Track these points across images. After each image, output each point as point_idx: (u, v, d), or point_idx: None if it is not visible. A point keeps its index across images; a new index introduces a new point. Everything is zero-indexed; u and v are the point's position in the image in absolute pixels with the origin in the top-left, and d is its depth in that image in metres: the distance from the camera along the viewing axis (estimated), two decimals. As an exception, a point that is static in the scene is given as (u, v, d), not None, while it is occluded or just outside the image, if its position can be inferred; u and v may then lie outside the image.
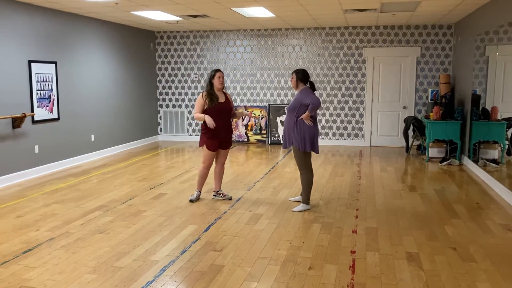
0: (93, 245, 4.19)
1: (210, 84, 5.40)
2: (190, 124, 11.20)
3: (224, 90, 5.54)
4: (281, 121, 10.49)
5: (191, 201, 5.65)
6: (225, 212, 5.20)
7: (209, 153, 5.52)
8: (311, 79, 5.49)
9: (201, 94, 5.44)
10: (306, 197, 5.34)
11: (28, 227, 4.71)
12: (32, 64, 7.09)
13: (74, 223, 4.82)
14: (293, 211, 5.27)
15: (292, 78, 5.28)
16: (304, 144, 5.15)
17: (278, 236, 4.43)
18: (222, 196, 5.77)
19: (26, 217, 5.07)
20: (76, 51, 8.18)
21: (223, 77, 5.43)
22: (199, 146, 5.61)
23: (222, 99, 5.45)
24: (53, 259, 3.87)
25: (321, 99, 10.25)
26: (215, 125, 5.25)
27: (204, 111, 5.36)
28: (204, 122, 5.34)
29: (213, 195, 5.82)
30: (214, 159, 5.67)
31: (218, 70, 5.42)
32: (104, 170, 7.67)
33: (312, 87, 5.28)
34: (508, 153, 6.35)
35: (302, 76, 5.23)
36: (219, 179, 5.78)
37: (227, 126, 5.55)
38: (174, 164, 8.10)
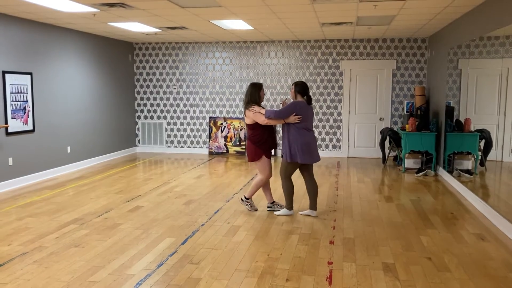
0: (67, 259, 4.11)
1: (258, 96, 5.51)
2: (168, 136, 11.13)
3: None
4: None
5: (256, 210, 5.75)
6: (203, 225, 5.18)
7: (268, 162, 5.57)
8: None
9: (255, 107, 5.41)
10: (286, 203, 5.57)
11: (0, 242, 4.59)
12: (7, 75, 6.97)
13: (48, 237, 4.73)
14: (274, 213, 5.56)
15: (291, 89, 5.52)
16: (287, 153, 5.38)
17: (256, 248, 4.42)
18: (279, 206, 5.76)
19: (-2, 231, 4.95)
20: (52, 62, 8.08)
21: None
22: (254, 160, 5.54)
23: None
24: (25, 274, 3.77)
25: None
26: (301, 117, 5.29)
27: (254, 124, 5.44)
28: (256, 134, 5.45)
29: (268, 207, 5.80)
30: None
31: (262, 84, 5.64)
32: (80, 182, 7.55)
33: (309, 101, 5.47)
34: (481, 164, 6.50)
35: (300, 89, 5.45)
36: (269, 189, 5.80)
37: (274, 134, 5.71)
38: (152, 176, 8.03)
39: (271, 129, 5.61)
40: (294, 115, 5.25)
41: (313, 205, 5.54)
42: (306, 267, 3.94)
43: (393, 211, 5.74)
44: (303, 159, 5.31)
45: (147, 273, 3.80)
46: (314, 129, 10.39)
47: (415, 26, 8.16)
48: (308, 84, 10.26)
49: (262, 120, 5.35)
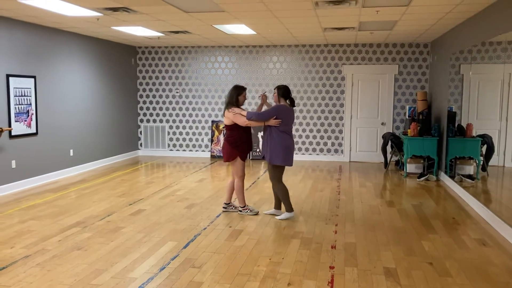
0: (70, 262, 4.13)
1: (237, 100, 5.57)
2: (171, 139, 11.16)
3: None
4: (261, 136, 10.52)
5: (257, 213, 5.77)
6: (205, 228, 5.19)
7: (242, 164, 5.64)
8: (292, 95, 5.68)
9: (235, 108, 5.51)
10: (286, 206, 5.59)
11: (2, 245, 4.61)
12: (10, 78, 7.01)
13: (51, 240, 4.74)
14: (276, 218, 5.55)
15: (274, 93, 5.53)
16: (272, 157, 5.40)
17: (257, 252, 4.43)
18: (233, 207, 5.85)
19: (0, 234, 4.96)
20: (56, 66, 8.12)
21: None
22: (228, 160, 5.63)
23: None
24: (28, 277, 3.79)
25: (301, 115, 10.39)
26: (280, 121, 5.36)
27: (232, 125, 5.51)
28: (233, 135, 5.53)
29: (224, 208, 5.90)
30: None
31: (245, 88, 5.68)
32: (83, 185, 7.58)
33: (292, 103, 5.51)
34: (483, 169, 6.50)
35: (283, 92, 5.51)
36: (232, 191, 5.88)
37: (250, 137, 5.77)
38: (154, 180, 8.04)
39: (248, 132, 5.67)
40: (274, 118, 5.32)
41: (279, 205, 5.70)
42: (307, 271, 3.94)
43: (394, 216, 5.75)
44: (283, 161, 5.40)
45: (149, 276, 3.82)
46: (315, 133, 10.42)
47: (417, 31, 8.18)
48: (310, 89, 10.32)
49: (243, 122, 5.42)
